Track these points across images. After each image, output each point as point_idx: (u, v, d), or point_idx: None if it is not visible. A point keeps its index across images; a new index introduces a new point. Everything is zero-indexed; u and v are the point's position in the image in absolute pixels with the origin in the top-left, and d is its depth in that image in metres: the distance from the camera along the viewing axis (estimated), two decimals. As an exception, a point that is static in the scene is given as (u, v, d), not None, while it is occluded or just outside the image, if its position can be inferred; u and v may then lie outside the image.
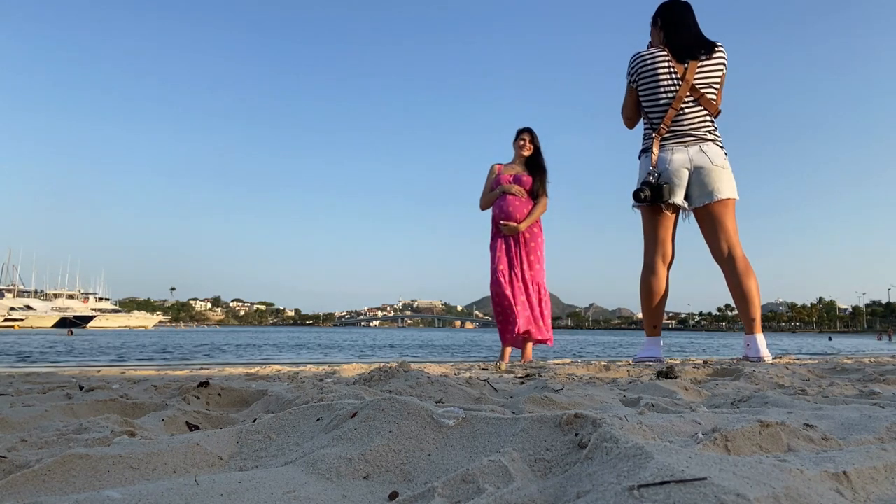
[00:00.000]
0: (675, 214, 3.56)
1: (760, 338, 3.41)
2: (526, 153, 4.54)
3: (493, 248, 4.45)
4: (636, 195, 3.43)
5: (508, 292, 4.30)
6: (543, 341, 4.46)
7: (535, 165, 4.56)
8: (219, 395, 1.49)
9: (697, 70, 3.43)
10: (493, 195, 4.47)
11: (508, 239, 4.41)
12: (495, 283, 4.34)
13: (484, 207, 4.59)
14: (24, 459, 0.76)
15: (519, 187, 4.41)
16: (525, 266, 4.39)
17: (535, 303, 4.39)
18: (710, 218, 3.43)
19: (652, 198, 3.39)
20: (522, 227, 4.35)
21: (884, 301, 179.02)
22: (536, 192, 4.47)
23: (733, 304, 3.54)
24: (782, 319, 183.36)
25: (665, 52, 3.46)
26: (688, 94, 3.41)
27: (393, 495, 0.61)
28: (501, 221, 4.37)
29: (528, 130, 4.60)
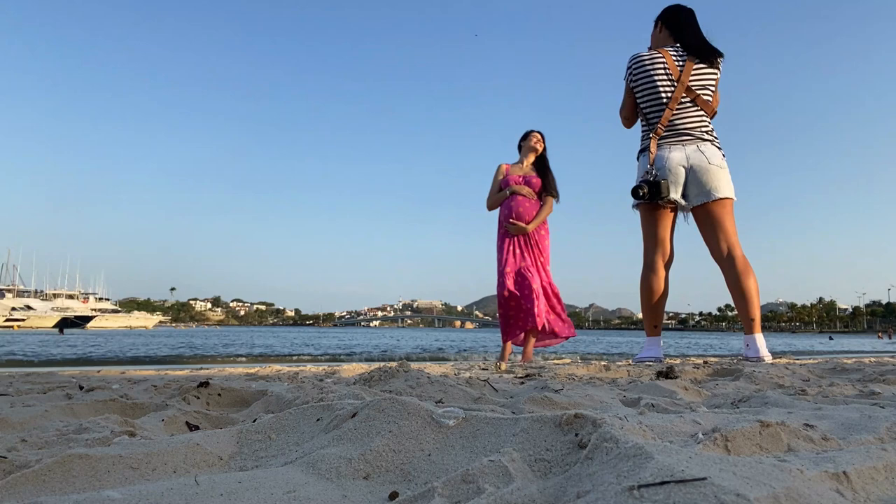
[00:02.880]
0: (673, 214, 3.58)
1: (760, 338, 3.41)
2: (539, 147, 4.57)
3: (500, 249, 4.43)
4: (634, 192, 3.49)
5: (512, 293, 4.29)
6: (565, 337, 4.47)
7: (542, 167, 4.58)
8: (219, 395, 1.49)
9: (693, 72, 3.49)
10: (502, 196, 4.46)
11: (516, 239, 4.40)
12: (502, 284, 4.33)
13: (491, 208, 4.57)
14: (24, 459, 0.76)
15: (529, 189, 4.42)
16: (534, 266, 4.38)
17: (554, 302, 4.39)
18: (709, 218, 3.45)
19: (650, 195, 3.42)
20: (530, 228, 4.36)
21: (884, 301, 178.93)
22: (546, 192, 4.48)
23: (733, 304, 3.57)
24: (782, 319, 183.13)
25: (661, 55, 3.53)
26: (684, 94, 3.47)
27: (393, 495, 0.61)
28: (510, 220, 4.37)
29: (540, 131, 4.65)
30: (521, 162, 4.60)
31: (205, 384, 1.52)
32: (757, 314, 3.42)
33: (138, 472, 0.69)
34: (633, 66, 3.58)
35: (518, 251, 4.38)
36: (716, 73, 3.53)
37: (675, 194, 3.44)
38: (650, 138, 3.50)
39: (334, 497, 0.61)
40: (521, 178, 4.45)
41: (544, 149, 4.61)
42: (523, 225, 4.34)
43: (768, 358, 3.30)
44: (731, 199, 3.44)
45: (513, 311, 4.30)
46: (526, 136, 4.63)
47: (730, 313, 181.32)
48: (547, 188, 4.49)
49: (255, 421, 0.88)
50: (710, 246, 3.50)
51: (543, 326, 4.31)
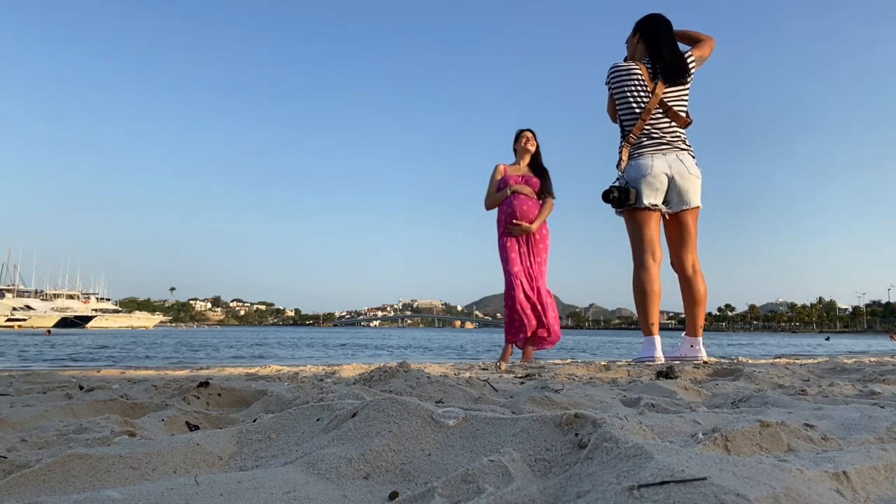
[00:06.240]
0: (658, 215, 3.71)
1: (701, 340, 3.76)
2: (531, 148, 4.57)
3: (505, 249, 4.41)
4: (605, 195, 3.67)
5: (523, 295, 4.29)
6: (553, 342, 4.47)
7: (538, 166, 4.60)
8: (219, 395, 1.49)
9: (666, 89, 3.66)
10: (502, 195, 4.45)
11: (520, 239, 4.40)
12: (511, 286, 4.32)
13: (490, 207, 4.57)
14: (24, 459, 0.76)
15: (529, 188, 4.42)
16: (534, 268, 4.38)
17: (546, 304, 4.39)
18: (682, 225, 3.67)
19: (619, 201, 3.61)
20: (534, 227, 4.37)
21: (884, 301, 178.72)
22: (545, 193, 4.50)
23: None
24: (782, 319, 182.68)
25: (639, 68, 3.69)
26: (657, 107, 3.65)
27: (393, 495, 0.61)
28: (514, 221, 4.36)
29: (531, 130, 4.65)
30: (517, 163, 4.61)
31: (205, 384, 1.52)
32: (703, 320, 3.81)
33: (138, 472, 0.69)
34: (611, 78, 3.79)
35: (523, 250, 4.39)
36: (687, 88, 3.72)
37: (658, 200, 3.62)
38: (622, 146, 3.71)
39: (334, 497, 0.62)
40: (520, 178, 4.46)
41: (537, 147, 4.62)
42: (527, 225, 4.34)
43: (706, 357, 3.67)
44: (700, 207, 3.69)
45: (519, 314, 4.29)
46: (518, 137, 4.63)
47: (730, 313, 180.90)
48: (545, 188, 4.50)
49: (255, 421, 0.88)
50: (676, 251, 3.73)
51: (544, 332, 4.32)
